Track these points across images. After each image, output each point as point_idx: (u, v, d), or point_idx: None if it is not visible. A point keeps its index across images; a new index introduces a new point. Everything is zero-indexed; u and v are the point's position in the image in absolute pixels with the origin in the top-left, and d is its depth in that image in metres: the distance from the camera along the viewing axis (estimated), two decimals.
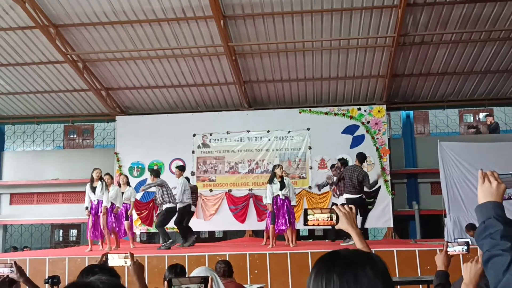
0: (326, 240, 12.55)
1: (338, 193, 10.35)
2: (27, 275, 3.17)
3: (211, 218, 13.71)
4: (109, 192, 9.85)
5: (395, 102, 14.31)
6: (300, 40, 11.92)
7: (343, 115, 13.79)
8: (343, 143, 13.57)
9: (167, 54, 12.62)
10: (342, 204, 2.36)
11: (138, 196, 12.65)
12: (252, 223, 13.41)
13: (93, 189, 9.74)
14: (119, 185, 10.68)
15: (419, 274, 7.41)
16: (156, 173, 10.45)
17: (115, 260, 2.93)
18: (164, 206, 9.98)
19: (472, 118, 16.41)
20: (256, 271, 7.71)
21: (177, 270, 4.20)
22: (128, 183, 10.83)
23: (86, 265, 4.26)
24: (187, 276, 4.07)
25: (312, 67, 12.99)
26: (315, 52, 12.46)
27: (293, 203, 9.84)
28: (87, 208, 9.77)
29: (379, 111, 13.74)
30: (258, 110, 14.28)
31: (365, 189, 9.75)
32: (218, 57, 12.59)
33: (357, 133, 13.65)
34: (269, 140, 13.93)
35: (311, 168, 13.67)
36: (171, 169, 14.05)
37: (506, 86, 13.83)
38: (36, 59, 12.94)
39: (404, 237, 13.41)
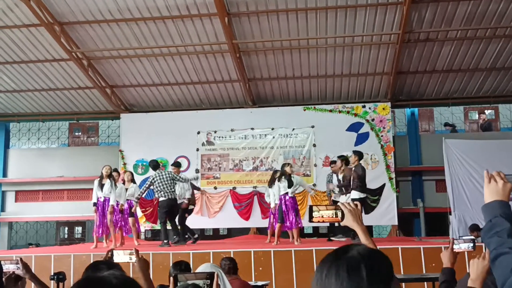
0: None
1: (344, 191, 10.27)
2: (33, 271, 3.18)
3: (216, 216, 13.73)
4: (115, 189, 9.88)
5: (399, 99, 14.27)
6: (304, 38, 11.89)
7: (348, 112, 13.77)
8: (347, 140, 13.54)
9: (172, 52, 12.62)
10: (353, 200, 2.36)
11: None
12: (257, 220, 13.41)
13: (101, 186, 9.76)
14: (124, 182, 10.70)
15: (424, 272, 7.40)
16: (153, 166, 10.42)
17: (120, 257, 2.94)
18: (161, 199, 9.98)
19: (477, 116, 16.33)
20: (260, 268, 7.72)
21: (181, 267, 4.21)
22: (133, 180, 10.85)
23: (91, 261, 4.28)
24: (192, 272, 4.08)
25: (316, 65, 12.97)
26: (320, 49, 12.44)
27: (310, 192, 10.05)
28: (94, 204, 9.79)
29: (383, 109, 13.71)
30: (262, 108, 14.27)
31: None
32: (222, 54, 12.58)
33: (361, 131, 13.62)
34: (274, 137, 13.92)
35: (315, 165, 13.66)
36: None
37: None
38: (41, 57, 12.97)
39: (408, 235, 13.39)
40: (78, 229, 17.92)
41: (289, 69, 13.14)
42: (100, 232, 9.77)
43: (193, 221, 12.00)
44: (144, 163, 14.22)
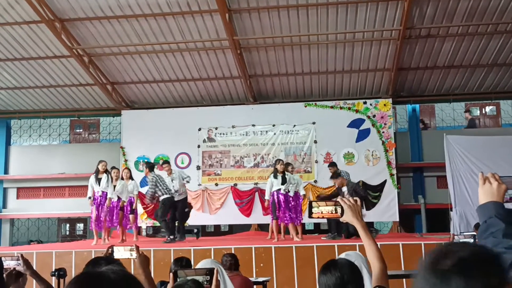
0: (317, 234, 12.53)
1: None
2: (34, 268, 3.18)
3: (217, 212, 13.74)
4: (114, 186, 9.89)
5: (401, 95, 14.25)
6: (305, 34, 11.87)
7: (349, 109, 13.75)
8: (348, 137, 13.55)
9: (172, 48, 12.61)
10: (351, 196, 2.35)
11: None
12: (258, 217, 13.42)
13: (98, 181, 9.78)
14: (122, 179, 10.72)
15: None
16: (150, 167, 10.40)
17: (121, 253, 2.95)
18: (161, 199, 9.98)
19: (478, 112, 16.31)
20: (261, 265, 7.73)
21: (182, 263, 4.22)
22: (131, 177, 10.86)
23: (92, 258, 4.29)
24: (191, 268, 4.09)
25: (317, 61, 12.95)
26: (321, 45, 12.42)
27: (302, 192, 9.96)
28: (90, 198, 9.81)
29: (385, 105, 13.69)
30: (263, 104, 14.26)
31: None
32: (223, 51, 12.57)
33: (362, 127, 13.61)
34: (275, 134, 13.92)
35: (316, 162, 13.66)
36: (177, 163, 14.09)
37: None
38: (42, 54, 12.96)
39: (409, 231, 13.40)
40: (80, 226, 17.97)
41: (290, 65, 13.12)
42: (99, 226, 9.77)
43: (195, 218, 12.02)
44: (146, 160, 14.23)
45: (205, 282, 1.91)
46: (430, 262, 1.15)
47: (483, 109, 16.34)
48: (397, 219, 13.23)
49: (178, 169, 10.69)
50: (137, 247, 2.94)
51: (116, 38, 12.21)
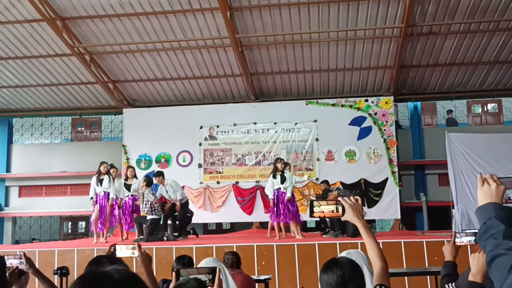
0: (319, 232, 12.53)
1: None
2: (36, 266, 3.19)
3: (219, 210, 13.75)
4: (113, 184, 9.92)
5: (402, 93, 14.23)
6: (307, 32, 11.86)
7: (350, 106, 13.75)
8: (350, 134, 13.55)
9: (174, 47, 12.61)
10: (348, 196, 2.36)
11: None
12: (259, 215, 13.44)
13: (100, 181, 9.81)
14: (127, 178, 10.73)
15: (427, 265, 7.40)
16: (148, 181, 10.36)
17: (123, 251, 2.95)
18: (148, 217, 9.91)
19: (480, 109, 16.29)
20: (263, 263, 7.73)
21: (184, 261, 4.23)
22: (135, 176, 10.88)
23: (95, 256, 4.28)
24: (194, 267, 4.09)
25: (319, 59, 12.94)
26: (322, 43, 12.40)
27: (288, 195, 9.70)
28: (91, 198, 9.85)
29: (386, 103, 13.68)
30: (265, 102, 14.26)
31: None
32: (224, 49, 12.56)
33: (364, 125, 13.60)
34: (276, 132, 13.92)
35: (318, 160, 13.66)
36: (179, 161, 14.10)
37: None
38: (43, 52, 12.97)
39: (411, 229, 13.40)
40: (82, 224, 18.02)
41: (292, 63, 13.11)
42: (100, 226, 9.80)
43: (196, 216, 12.03)
44: (147, 158, 14.26)
45: (208, 281, 1.92)
46: None
47: (485, 107, 16.32)
48: (399, 217, 13.24)
49: (172, 179, 10.65)
50: (139, 246, 2.94)
51: (118, 36, 12.21)
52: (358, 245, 7.15)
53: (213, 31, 11.89)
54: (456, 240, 2.91)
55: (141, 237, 9.80)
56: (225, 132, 14.10)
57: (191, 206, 12.12)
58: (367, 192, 13.18)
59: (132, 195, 10.49)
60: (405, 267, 7.40)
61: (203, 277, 1.93)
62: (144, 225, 9.91)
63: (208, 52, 12.75)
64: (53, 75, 13.95)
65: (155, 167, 14.14)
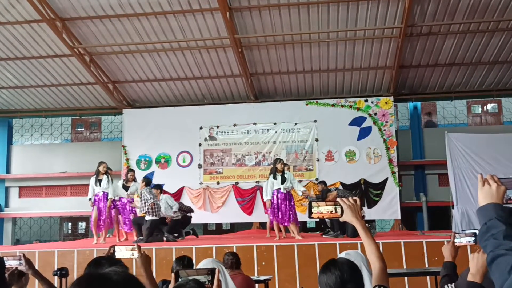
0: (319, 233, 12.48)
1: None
2: (36, 267, 3.19)
3: (218, 211, 13.75)
4: (112, 184, 9.89)
5: (402, 93, 14.23)
6: (306, 32, 11.86)
7: (350, 107, 13.75)
8: (350, 135, 13.55)
9: (173, 47, 12.61)
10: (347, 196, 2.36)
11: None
12: (259, 215, 13.43)
13: (99, 182, 9.79)
14: (127, 180, 10.72)
15: (427, 266, 7.40)
16: (147, 182, 10.30)
17: (122, 252, 2.95)
18: (147, 218, 9.84)
19: (480, 109, 16.30)
20: (263, 263, 7.73)
21: (184, 262, 4.22)
22: (134, 179, 10.88)
23: (95, 257, 4.27)
24: (194, 268, 4.09)
25: (318, 59, 12.94)
26: (322, 43, 12.41)
27: (299, 194, 9.92)
28: (90, 199, 9.83)
29: (386, 103, 13.69)
30: (264, 103, 14.26)
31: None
32: (224, 49, 12.57)
33: (364, 125, 13.61)
34: (276, 132, 13.92)
35: (318, 160, 13.66)
36: (179, 161, 14.11)
37: None
38: (43, 53, 12.97)
39: (411, 229, 13.41)
40: (82, 225, 18.02)
41: (291, 63, 13.11)
42: (99, 226, 9.78)
43: (196, 216, 12.03)
44: (147, 158, 14.26)
45: (207, 282, 1.92)
46: None
47: (485, 107, 16.32)
48: (399, 217, 13.24)
49: (168, 196, 10.64)
50: (139, 247, 2.94)
51: (117, 36, 12.22)
52: (357, 246, 7.15)
53: (212, 32, 11.89)
54: (456, 240, 2.91)
55: (141, 238, 9.79)
56: (225, 132, 14.11)
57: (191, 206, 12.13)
58: (367, 192, 13.19)
59: (130, 197, 10.48)
60: (405, 267, 7.39)
61: (202, 278, 1.93)
62: (143, 226, 9.90)
63: (208, 53, 12.76)
64: (53, 76, 13.95)
65: (155, 168, 14.15)
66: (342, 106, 13.79)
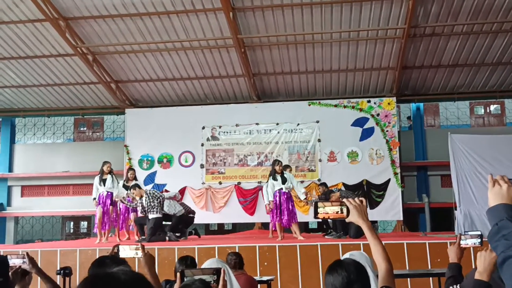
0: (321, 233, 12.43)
1: None
2: (39, 266, 3.19)
3: (220, 211, 13.75)
4: (118, 184, 9.93)
5: (405, 94, 14.21)
6: (309, 32, 11.85)
7: (353, 107, 13.74)
8: (352, 135, 13.53)
9: (176, 47, 12.61)
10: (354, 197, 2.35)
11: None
12: (261, 215, 13.40)
13: (103, 181, 9.79)
14: (127, 179, 10.73)
15: (429, 267, 7.38)
16: (138, 186, 10.27)
17: (126, 252, 2.95)
18: (151, 216, 9.80)
19: (483, 110, 16.27)
20: (265, 263, 7.72)
21: (187, 262, 4.22)
22: (135, 178, 10.90)
23: (97, 256, 4.27)
24: (197, 267, 4.08)
25: (321, 59, 12.93)
26: (325, 44, 12.39)
27: (301, 197, 9.87)
28: (94, 199, 9.84)
29: (389, 104, 13.67)
30: (267, 103, 14.25)
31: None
32: (227, 49, 12.56)
33: (366, 126, 13.59)
34: (278, 132, 13.91)
35: (320, 160, 13.64)
36: (181, 161, 14.11)
37: None
38: (46, 52, 12.98)
39: (413, 230, 13.39)
40: (84, 224, 18.02)
41: (294, 64, 13.10)
42: (106, 226, 9.80)
43: (198, 216, 12.02)
44: (149, 158, 14.26)
45: (212, 282, 1.92)
46: None
47: (488, 108, 16.29)
48: (401, 218, 13.21)
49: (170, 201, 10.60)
50: (143, 246, 2.94)
51: (120, 36, 12.22)
52: (360, 246, 7.14)
53: (215, 32, 11.89)
54: (461, 242, 2.90)
55: (143, 237, 9.79)
56: (227, 132, 14.10)
57: (193, 207, 12.13)
58: (369, 193, 13.16)
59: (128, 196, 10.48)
60: (407, 268, 7.38)
61: (207, 278, 1.93)
62: (146, 225, 9.90)
63: (211, 53, 12.75)
64: (56, 75, 13.96)
65: (157, 168, 14.15)
66: (345, 106, 13.77)
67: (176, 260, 4.55)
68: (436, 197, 13.98)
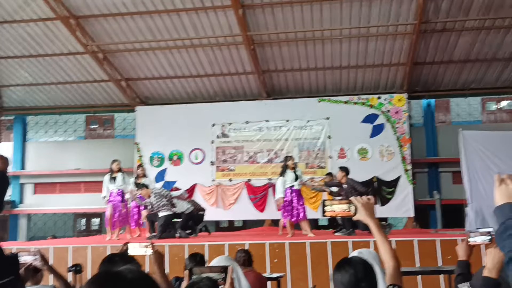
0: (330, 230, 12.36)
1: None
2: (50, 263, 3.22)
3: (231, 208, 13.78)
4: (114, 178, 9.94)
5: (416, 90, 14.12)
6: (319, 29, 11.82)
7: (363, 104, 13.68)
8: (362, 132, 13.48)
9: (186, 44, 12.64)
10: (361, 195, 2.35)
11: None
12: (272, 212, 13.40)
13: (113, 179, 9.84)
14: (137, 176, 10.77)
15: (440, 264, 7.34)
16: (144, 186, 10.29)
17: (136, 249, 2.96)
18: (161, 214, 9.81)
19: (495, 106, 16.11)
20: (275, 260, 7.73)
21: (197, 259, 4.24)
22: (145, 175, 10.93)
23: (108, 253, 4.31)
24: (206, 265, 4.10)
25: (331, 56, 12.89)
26: (334, 40, 12.35)
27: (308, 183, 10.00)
28: (104, 197, 9.88)
29: (399, 100, 13.59)
30: (276, 100, 14.24)
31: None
32: (236, 46, 12.57)
33: (377, 122, 13.53)
34: (288, 129, 13.90)
35: (330, 157, 13.62)
36: (191, 158, 14.15)
37: None
38: (57, 51, 13.09)
39: (424, 227, 13.30)
40: (95, 221, 18.14)
41: (304, 60, 13.08)
42: (118, 223, 9.85)
43: (209, 213, 12.05)
44: (160, 156, 14.32)
45: (220, 280, 1.93)
46: None
47: (499, 104, 16.13)
48: (412, 215, 13.16)
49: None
50: (152, 244, 2.95)
51: (130, 34, 12.28)
52: (370, 244, 7.12)
53: (225, 29, 11.90)
54: (470, 239, 2.88)
55: (154, 234, 9.84)
56: (237, 129, 14.11)
57: (203, 204, 12.16)
58: (380, 190, 13.11)
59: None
60: (418, 265, 7.34)
61: (215, 276, 1.94)
62: (156, 223, 9.94)
63: (220, 50, 12.77)
64: (67, 74, 14.07)
65: (167, 165, 14.21)
66: (355, 103, 13.72)
67: (186, 257, 4.57)
68: (447, 194, 13.88)
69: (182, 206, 10.35)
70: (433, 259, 7.45)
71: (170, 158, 14.28)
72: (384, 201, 13.04)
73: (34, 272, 3.11)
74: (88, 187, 15.75)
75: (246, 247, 7.14)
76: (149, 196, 9.88)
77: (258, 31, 11.96)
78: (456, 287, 2.79)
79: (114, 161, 10.00)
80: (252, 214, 13.83)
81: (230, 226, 16.33)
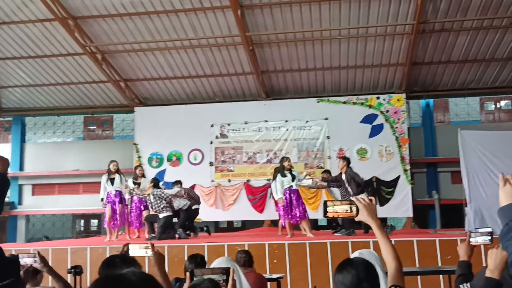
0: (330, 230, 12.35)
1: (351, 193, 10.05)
2: (50, 264, 3.21)
3: (230, 208, 13.77)
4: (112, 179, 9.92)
5: (414, 90, 14.14)
6: (317, 29, 11.82)
7: (362, 104, 13.68)
8: (361, 132, 13.49)
9: (185, 45, 12.63)
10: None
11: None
12: (271, 212, 13.40)
13: (111, 181, 9.81)
14: (136, 177, 10.75)
15: (440, 264, 7.34)
16: (156, 183, 10.23)
17: (136, 251, 2.95)
18: (162, 215, 9.78)
19: (493, 106, 16.13)
20: (275, 261, 7.72)
21: (197, 260, 4.23)
22: (143, 175, 10.91)
23: (107, 254, 4.30)
24: (206, 266, 4.10)
25: (330, 56, 12.89)
26: (333, 41, 12.36)
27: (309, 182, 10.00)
28: (102, 199, 9.86)
29: (398, 100, 13.60)
30: (275, 100, 14.24)
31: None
32: (235, 47, 12.56)
33: (376, 122, 13.54)
34: (287, 130, 13.90)
35: (329, 157, 13.62)
36: (190, 159, 14.14)
37: None
38: (56, 51, 13.07)
39: (424, 227, 13.31)
40: (94, 222, 18.12)
41: (303, 61, 13.08)
42: (118, 223, 9.83)
43: (208, 214, 12.05)
44: (159, 156, 14.31)
45: (222, 281, 1.92)
46: None
47: (498, 104, 16.15)
48: (411, 215, 13.16)
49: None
50: (153, 245, 2.95)
51: (129, 35, 12.26)
52: (370, 244, 7.11)
53: (224, 30, 11.89)
54: (471, 240, 2.88)
55: (153, 235, 9.83)
56: (236, 130, 14.11)
57: (202, 205, 12.13)
58: (379, 190, 13.11)
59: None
60: (417, 266, 7.34)
61: (217, 277, 1.94)
62: (157, 223, 9.92)
63: (219, 51, 12.76)
64: (65, 74, 14.05)
65: (166, 166, 14.20)
66: (354, 103, 13.73)
67: (186, 258, 4.56)
68: (446, 194, 13.89)
69: (180, 203, 10.34)
70: (433, 259, 7.45)
71: (169, 159, 14.27)
72: (383, 201, 13.04)
73: (34, 274, 3.10)
74: (87, 188, 15.72)
75: (246, 248, 7.13)
76: (151, 193, 9.84)
77: (257, 31, 11.96)
78: (457, 287, 2.78)
79: (111, 161, 9.98)
80: (251, 214, 13.82)
81: (229, 227, 16.32)
